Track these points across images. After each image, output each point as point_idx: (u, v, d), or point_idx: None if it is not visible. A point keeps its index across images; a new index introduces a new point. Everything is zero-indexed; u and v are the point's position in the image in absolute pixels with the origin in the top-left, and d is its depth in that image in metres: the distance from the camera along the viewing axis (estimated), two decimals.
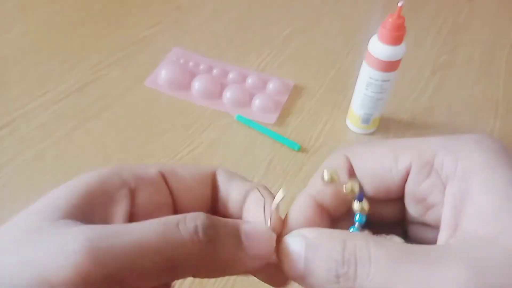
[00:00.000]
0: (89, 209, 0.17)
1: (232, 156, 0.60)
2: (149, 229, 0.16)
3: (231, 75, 0.70)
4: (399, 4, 0.49)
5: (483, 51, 0.79)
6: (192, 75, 0.69)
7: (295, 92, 0.69)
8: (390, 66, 0.54)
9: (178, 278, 0.17)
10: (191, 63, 0.72)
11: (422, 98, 0.69)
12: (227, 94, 0.66)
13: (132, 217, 0.19)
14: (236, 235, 0.18)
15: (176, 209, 0.21)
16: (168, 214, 0.20)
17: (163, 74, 0.68)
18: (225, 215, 0.22)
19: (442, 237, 0.18)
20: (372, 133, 0.64)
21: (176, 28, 0.80)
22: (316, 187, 0.21)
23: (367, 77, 0.56)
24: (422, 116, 0.67)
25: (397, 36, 0.51)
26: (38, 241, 0.16)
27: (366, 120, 0.61)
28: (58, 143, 0.60)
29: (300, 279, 0.18)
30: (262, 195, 0.20)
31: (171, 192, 0.20)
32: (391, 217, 0.21)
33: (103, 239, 0.15)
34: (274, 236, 0.19)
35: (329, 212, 0.21)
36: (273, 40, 0.78)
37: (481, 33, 0.83)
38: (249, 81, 0.69)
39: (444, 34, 0.82)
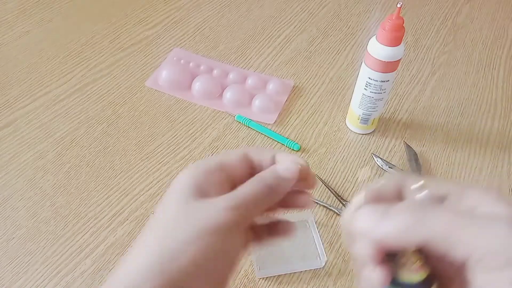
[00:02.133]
0: (204, 189, 0.27)
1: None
2: (256, 186, 0.28)
3: (231, 76, 0.70)
4: (398, 5, 0.50)
5: (482, 51, 0.79)
6: (193, 76, 0.69)
7: (295, 92, 0.69)
8: (389, 66, 0.54)
9: (269, 203, 0.28)
10: (191, 64, 0.72)
11: (421, 98, 0.70)
12: (227, 95, 0.66)
13: (233, 184, 0.29)
14: (280, 177, 0.29)
15: (232, 184, 0.30)
16: (228, 188, 0.29)
17: (164, 74, 0.68)
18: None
19: None
20: (371, 133, 0.64)
21: (177, 29, 0.80)
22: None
23: (366, 78, 0.56)
24: (421, 116, 0.67)
25: (396, 37, 0.52)
26: (194, 212, 0.26)
27: (365, 120, 0.61)
28: (59, 143, 0.60)
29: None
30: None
31: (252, 164, 0.30)
32: None
33: (238, 199, 0.27)
34: (297, 166, 0.29)
35: None
36: (273, 40, 0.79)
37: (480, 33, 0.83)
38: (249, 81, 0.69)
39: (443, 34, 0.82)
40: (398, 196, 0.27)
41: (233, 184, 0.29)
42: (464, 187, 0.25)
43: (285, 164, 0.29)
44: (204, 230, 0.25)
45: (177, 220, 0.26)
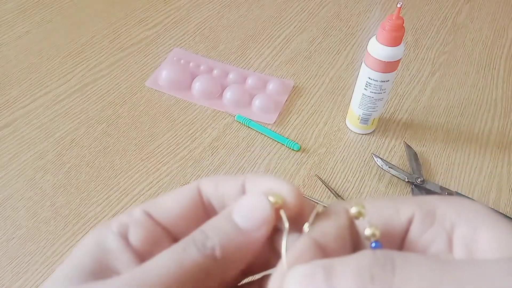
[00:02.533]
0: (99, 268, 0.19)
1: (232, 156, 0.60)
2: (165, 261, 0.18)
3: (231, 76, 0.70)
4: (398, 5, 0.50)
5: (482, 51, 0.79)
6: (193, 76, 0.69)
7: (295, 92, 0.69)
8: (389, 66, 0.54)
9: (228, 275, 0.19)
10: (191, 64, 0.72)
11: (421, 98, 0.70)
12: (227, 95, 0.66)
13: (138, 261, 0.20)
14: (232, 225, 0.19)
15: (174, 238, 0.21)
16: (168, 245, 0.20)
17: (164, 74, 0.68)
18: None
19: None
20: (371, 133, 0.64)
21: (177, 29, 0.80)
22: (322, 229, 0.20)
23: (366, 78, 0.56)
24: (421, 116, 0.67)
25: (396, 37, 0.52)
26: None
27: (365, 120, 0.61)
28: (59, 143, 0.60)
29: None
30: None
31: (160, 224, 0.21)
32: None
33: (135, 281, 0.17)
34: (267, 202, 0.19)
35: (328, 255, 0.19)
36: (273, 40, 0.79)
37: (480, 33, 0.83)
38: (249, 81, 0.69)
39: (443, 34, 0.82)
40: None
41: (179, 239, 0.20)
42: (425, 206, 0.19)
43: (248, 202, 0.19)
44: None
45: None
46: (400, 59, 0.54)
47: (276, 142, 0.62)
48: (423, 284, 0.15)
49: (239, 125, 0.64)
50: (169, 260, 0.18)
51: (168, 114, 0.65)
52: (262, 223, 0.18)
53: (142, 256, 0.20)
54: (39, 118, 0.63)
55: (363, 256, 0.16)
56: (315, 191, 0.56)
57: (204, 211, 0.22)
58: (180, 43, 0.77)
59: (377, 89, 0.57)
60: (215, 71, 0.71)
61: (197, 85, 0.67)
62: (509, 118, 0.67)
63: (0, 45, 0.75)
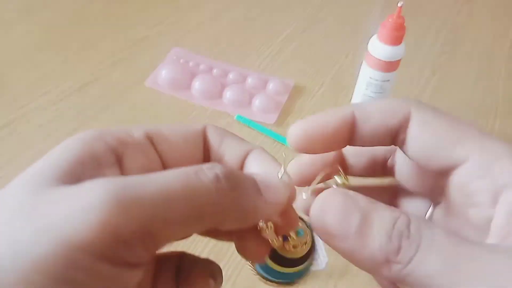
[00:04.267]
0: (81, 175, 0.16)
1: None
2: (171, 178, 0.15)
3: (231, 75, 0.70)
4: (399, 4, 0.49)
5: (483, 51, 0.79)
6: (192, 75, 0.69)
7: (295, 92, 0.69)
8: (390, 66, 0.54)
9: (204, 228, 0.16)
10: (191, 63, 0.72)
11: (422, 98, 0.69)
12: (227, 94, 0.66)
13: None
14: (254, 183, 0.17)
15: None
16: None
17: (163, 74, 0.68)
18: None
19: (491, 241, 0.17)
20: None
21: (176, 28, 0.80)
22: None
23: (367, 77, 0.56)
24: None
25: (396, 36, 0.51)
26: (47, 203, 0.14)
27: None
28: (58, 143, 0.60)
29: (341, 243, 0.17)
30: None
31: (159, 155, 0.19)
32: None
33: (128, 189, 0.14)
34: (288, 184, 0.19)
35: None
36: (273, 40, 0.78)
37: (481, 32, 0.83)
38: (249, 81, 0.69)
39: (444, 34, 0.82)
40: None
41: None
42: (485, 154, 0.18)
43: (272, 178, 0.18)
44: (65, 247, 0.13)
45: (19, 220, 0.14)
46: (401, 58, 0.54)
47: (276, 142, 0.62)
48: (439, 269, 0.15)
49: (239, 125, 0.64)
50: (179, 178, 0.15)
51: (167, 114, 0.65)
52: (280, 201, 0.18)
53: None
54: (38, 118, 0.63)
55: (400, 219, 0.16)
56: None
57: (203, 155, 0.20)
58: (180, 43, 0.76)
59: (377, 88, 0.56)
60: (215, 71, 0.71)
61: (196, 85, 0.67)
62: (510, 118, 0.67)
63: (0, 45, 0.75)
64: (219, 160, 0.20)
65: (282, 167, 0.19)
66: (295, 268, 0.22)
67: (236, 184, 0.16)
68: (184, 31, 0.79)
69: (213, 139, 0.20)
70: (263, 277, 0.22)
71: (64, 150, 0.17)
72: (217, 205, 0.16)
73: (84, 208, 0.13)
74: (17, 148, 0.59)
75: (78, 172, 0.16)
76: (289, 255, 0.22)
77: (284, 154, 0.20)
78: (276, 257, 0.22)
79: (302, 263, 0.22)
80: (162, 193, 0.14)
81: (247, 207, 0.17)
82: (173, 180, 0.15)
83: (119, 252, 0.13)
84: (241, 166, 0.20)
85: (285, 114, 0.66)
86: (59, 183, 0.15)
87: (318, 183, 0.21)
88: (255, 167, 0.20)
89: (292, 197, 0.19)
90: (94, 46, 0.75)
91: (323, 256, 0.49)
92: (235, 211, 0.16)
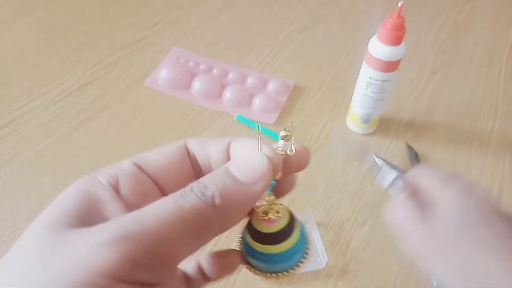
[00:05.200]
0: (87, 217, 0.18)
1: None
2: (164, 207, 0.17)
3: (231, 75, 0.70)
4: (399, 4, 0.49)
5: (483, 51, 0.79)
6: (192, 75, 0.69)
7: (295, 92, 0.69)
8: (390, 66, 0.54)
9: (208, 240, 0.18)
10: (191, 63, 0.72)
11: (422, 98, 0.69)
12: (227, 94, 0.66)
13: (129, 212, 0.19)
14: (231, 177, 0.18)
15: (163, 193, 0.21)
16: (158, 198, 0.20)
17: (163, 74, 0.68)
18: None
19: None
20: (372, 133, 0.64)
21: (176, 28, 0.80)
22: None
23: (367, 77, 0.56)
24: (422, 116, 0.67)
25: (397, 36, 0.51)
26: (69, 244, 0.16)
27: (366, 120, 0.61)
28: (58, 143, 0.60)
29: None
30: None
31: (151, 177, 0.21)
32: None
33: (134, 224, 0.16)
34: (264, 156, 0.19)
35: None
36: (273, 40, 0.78)
37: (481, 33, 0.83)
38: (249, 81, 0.69)
39: (444, 34, 0.82)
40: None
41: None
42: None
43: (245, 158, 0.19)
44: (93, 278, 0.15)
45: (33, 264, 0.16)
46: (401, 58, 0.54)
47: (276, 142, 0.61)
48: None
49: (239, 125, 0.64)
50: (168, 204, 0.17)
51: (167, 113, 0.65)
52: (261, 176, 0.19)
53: (132, 208, 0.18)
54: (38, 118, 0.63)
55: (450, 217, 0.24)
56: (315, 191, 0.56)
57: (192, 167, 0.22)
58: (180, 43, 0.76)
59: (378, 88, 0.56)
60: (214, 71, 0.71)
61: (196, 85, 0.67)
62: (510, 119, 0.67)
63: (0, 45, 0.75)
64: (207, 162, 0.22)
65: (259, 141, 0.20)
66: (277, 245, 0.22)
67: (216, 191, 0.18)
68: (184, 31, 0.79)
69: (195, 148, 0.22)
70: (252, 267, 0.22)
71: (68, 198, 0.19)
72: (208, 217, 0.17)
73: (98, 244, 0.16)
74: (17, 148, 0.59)
75: (85, 215, 0.18)
76: (264, 229, 0.22)
77: (259, 126, 0.22)
78: (255, 234, 0.22)
79: (282, 239, 0.22)
80: (160, 222, 0.16)
81: (236, 204, 0.18)
82: (166, 209, 0.17)
83: (135, 274, 0.16)
84: (227, 158, 0.21)
85: (285, 114, 0.66)
86: (73, 227, 0.17)
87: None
88: (238, 152, 0.21)
89: (277, 164, 0.20)
90: (94, 46, 0.75)
91: (323, 256, 0.49)
92: (229, 213, 0.18)
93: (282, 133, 0.22)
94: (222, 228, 0.18)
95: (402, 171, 0.32)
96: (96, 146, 0.60)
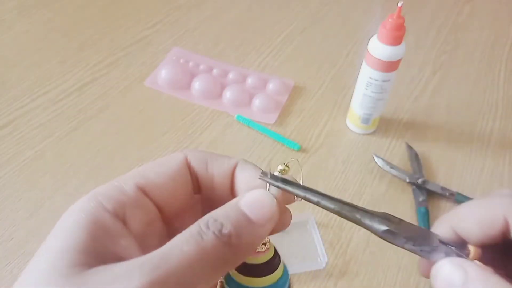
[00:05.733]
0: (100, 252, 0.17)
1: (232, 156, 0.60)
2: (185, 247, 0.17)
3: (231, 75, 0.70)
4: (399, 4, 0.49)
5: (483, 51, 0.79)
6: (192, 75, 0.69)
7: (295, 92, 0.69)
8: (390, 66, 0.54)
9: (224, 273, 0.19)
10: (191, 63, 0.72)
11: (422, 98, 0.69)
12: (227, 94, 0.66)
13: (138, 246, 0.19)
14: (245, 217, 0.19)
15: (163, 215, 0.21)
16: (158, 223, 0.20)
17: (163, 74, 0.68)
18: (211, 197, 0.22)
19: None
20: (372, 133, 0.64)
21: (176, 28, 0.80)
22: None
23: (367, 77, 0.56)
24: (422, 116, 0.67)
25: (397, 36, 0.51)
26: None
27: (366, 120, 0.61)
28: (58, 143, 0.60)
29: None
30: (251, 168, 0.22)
31: (154, 203, 0.20)
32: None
33: (158, 269, 0.16)
34: (273, 198, 0.20)
35: None
36: (273, 40, 0.78)
37: (481, 33, 0.83)
38: (249, 81, 0.69)
39: (444, 34, 0.82)
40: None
41: (166, 218, 0.21)
42: None
43: (254, 197, 0.19)
44: None
45: None
46: (401, 58, 0.54)
47: (276, 142, 0.62)
48: None
49: (239, 125, 0.64)
50: (189, 245, 0.17)
51: (167, 113, 0.65)
52: (269, 218, 0.19)
53: (139, 238, 0.19)
54: (38, 118, 0.63)
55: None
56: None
57: (193, 187, 0.21)
58: (180, 43, 0.76)
59: (378, 88, 0.56)
60: (214, 71, 0.71)
61: (196, 85, 0.67)
62: (511, 118, 0.67)
63: (0, 45, 0.75)
64: (210, 183, 0.21)
65: (267, 186, 0.20)
66: (262, 278, 0.21)
67: (231, 231, 0.18)
68: (184, 31, 0.79)
69: (198, 166, 0.21)
70: None
71: (75, 228, 0.17)
72: (226, 255, 0.17)
73: None
74: (17, 148, 0.59)
75: (98, 250, 0.17)
76: (250, 261, 0.22)
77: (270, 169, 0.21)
78: (240, 266, 0.22)
79: (267, 273, 0.22)
80: (183, 264, 0.16)
81: (248, 242, 0.18)
82: (188, 251, 0.17)
83: None
84: (232, 181, 0.22)
85: (285, 114, 0.66)
86: (87, 266, 0.16)
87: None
88: (244, 179, 0.21)
89: (282, 205, 0.20)
90: (94, 46, 0.75)
91: (323, 256, 0.49)
92: (241, 251, 0.18)
93: (280, 167, 0.22)
94: (233, 265, 0.19)
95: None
96: (96, 146, 0.60)
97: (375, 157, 0.59)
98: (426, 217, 0.53)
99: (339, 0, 0.88)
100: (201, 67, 0.71)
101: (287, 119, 0.65)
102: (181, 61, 0.72)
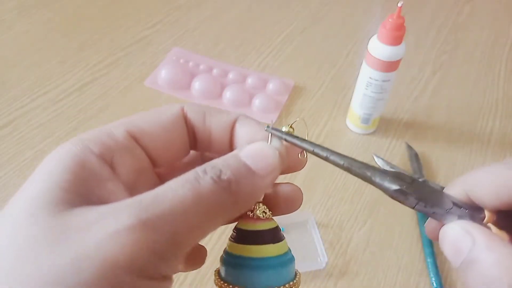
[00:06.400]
0: (85, 192, 0.16)
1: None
2: (179, 190, 0.16)
3: (231, 75, 0.70)
4: (399, 4, 0.49)
5: (483, 51, 0.79)
6: (192, 75, 0.69)
7: (295, 92, 0.69)
8: (390, 66, 0.54)
9: (220, 224, 0.17)
10: (191, 63, 0.72)
11: (422, 98, 0.69)
12: (227, 94, 0.66)
13: (127, 191, 0.18)
14: (245, 167, 0.18)
15: (156, 167, 0.20)
16: (149, 173, 0.19)
17: (163, 74, 0.68)
18: (209, 156, 0.21)
19: None
20: (372, 133, 0.64)
21: (176, 28, 0.80)
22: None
23: (367, 77, 0.56)
24: (422, 116, 0.67)
25: (397, 36, 0.51)
26: (76, 229, 0.14)
27: (366, 120, 0.61)
28: (58, 143, 0.60)
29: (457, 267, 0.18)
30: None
31: (145, 151, 0.19)
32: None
33: (149, 211, 0.14)
34: (275, 150, 0.19)
35: None
36: (273, 40, 0.78)
37: (481, 33, 0.83)
38: (249, 81, 0.69)
39: (444, 34, 0.82)
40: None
41: (160, 173, 0.20)
42: None
43: (256, 148, 0.18)
44: (112, 268, 0.13)
45: (34, 256, 0.13)
46: (401, 58, 0.54)
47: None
48: None
49: None
50: (186, 189, 0.15)
51: None
52: (271, 170, 0.18)
53: (129, 186, 0.17)
54: (38, 118, 0.63)
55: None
56: (315, 191, 0.56)
57: (187, 137, 0.20)
58: (180, 43, 0.76)
59: (378, 88, 0.56)
60: (214, 71, 0.71)
61: (196, 85, 0.67)
62: (511, 118, 0.67)
63: (0, 44, 0.75)
64: (207, 137, 0.20)
65: (269, 137, 0.20)
66: (263, 246, 0.20)
67: (232, 177, 0.17)
68: (184, 31, 0.79)
69: (195, 119, 0.20)
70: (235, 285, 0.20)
71: (59, 168, 0.16)
72: (224, 202, 0.16)
73: (117, 232, 0.14)
74: (17, 148, 0.59)
75: (83, 191, 0.16)
76: (249, 227, 0.20)
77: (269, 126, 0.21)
78: (240, 236, 0.20)
79: (270, 240, 0.20)
80: (177, 207, 0.15)
81: (248, 192, 0.17)
82: (184, 194, 0.15)
83: (157, 267, 0.14)
84: (231, 137, 0.21)
85: (285, 114, 0.66)
86: (72, 204, 0.15)
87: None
88: (244, 135, 0.20)
89: (284, 158, 0.20)
90: (94, 46, 0.75)
91: (323, 256, 0.49)
92: (241, 201, 0.17)
93: (285, 128, 0.21)
94: (232, 215, 0.17)
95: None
96: None
97: (375, 157, 0.59)
98: (426, 217, 0.53)
99: (339, 0, 0.88)
100: (201, 67, 0.71)
101: (287, 119, 0.65)
102: (181, 61, 0.72)
